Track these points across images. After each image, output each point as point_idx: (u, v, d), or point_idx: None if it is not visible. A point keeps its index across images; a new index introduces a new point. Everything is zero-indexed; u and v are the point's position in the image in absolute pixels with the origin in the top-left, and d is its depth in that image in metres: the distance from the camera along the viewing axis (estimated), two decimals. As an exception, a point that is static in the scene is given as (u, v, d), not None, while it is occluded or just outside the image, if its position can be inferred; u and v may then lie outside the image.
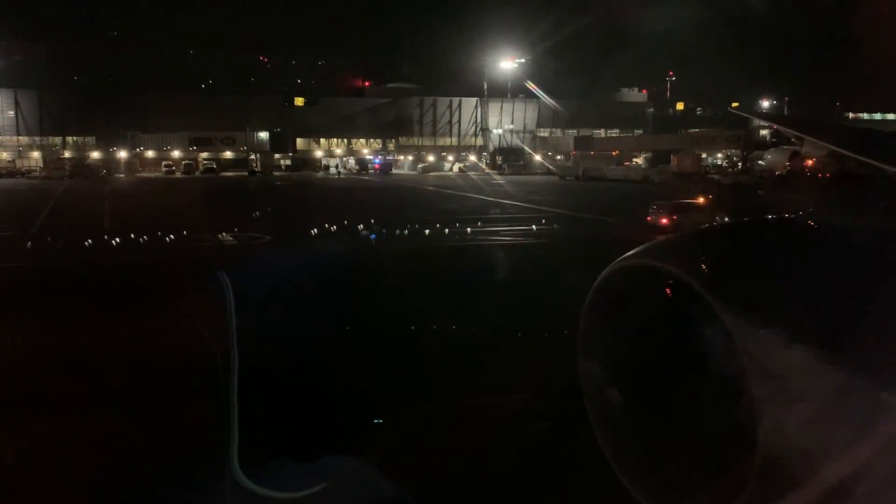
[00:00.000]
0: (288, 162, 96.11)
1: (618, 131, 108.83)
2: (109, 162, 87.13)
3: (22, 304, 12.19)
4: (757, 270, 1.64)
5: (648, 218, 23.79)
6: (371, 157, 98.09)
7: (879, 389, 1.30)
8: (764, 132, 72.57)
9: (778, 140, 67.18)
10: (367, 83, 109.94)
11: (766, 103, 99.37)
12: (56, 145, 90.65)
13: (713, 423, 1.68)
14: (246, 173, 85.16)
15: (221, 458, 3.89)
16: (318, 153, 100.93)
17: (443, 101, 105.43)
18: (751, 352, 1.42)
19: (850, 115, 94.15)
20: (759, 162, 69.00)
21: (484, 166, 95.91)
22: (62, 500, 5.05)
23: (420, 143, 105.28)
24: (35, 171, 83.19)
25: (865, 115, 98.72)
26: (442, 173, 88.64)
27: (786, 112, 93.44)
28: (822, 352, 1.36)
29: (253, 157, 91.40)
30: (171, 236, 21.21)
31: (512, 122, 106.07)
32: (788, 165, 61.89)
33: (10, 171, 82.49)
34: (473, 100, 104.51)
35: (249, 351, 4.49)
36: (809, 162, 59.50)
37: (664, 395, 1.83)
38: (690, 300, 1.58)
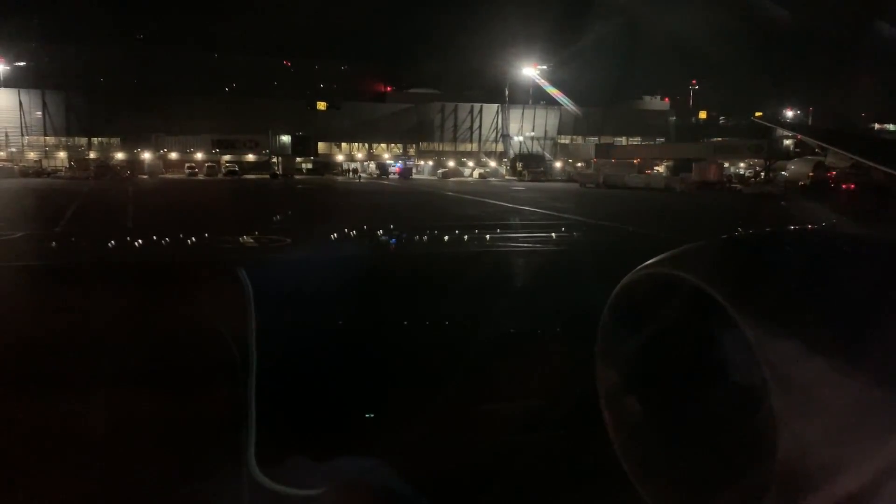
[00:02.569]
0: (309, 165, 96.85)
1: (639, 139, 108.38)
2: (134, 163, 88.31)
3: (41, 301, 12.38)
4: (779, 281, 1.63)
5: None
6: (391, 161, 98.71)
7: None
8: (787, 142, 71.98)
9: (802, 150, 66.57)
10: (388, 88, 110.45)
11: (790, 113, 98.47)
12: (82, 146, 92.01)
13: (733, 434, 1.67)
14: (268, 176, 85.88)
15: (239, 455, 3.93)
16: (340, 157, 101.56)
17: (464, 107, 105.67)
18: (771, 363, 1.42)
19: (877, 125, 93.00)
20: (783, 172, 68.39)
21: (504, 172, 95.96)
22: (74, 490, 5.11)
23: (441, 149, 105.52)
24: (61, 171, 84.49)
25: (892, 126, 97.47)
26: (462, 179, 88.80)
27: (810, 122, 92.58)
28: (844, 363, 1.36)
29: (275, 160, 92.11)
30: (193, 238, 21.42)
31: (533, 129, 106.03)
32: (812, 176, 61.26)
33: (37, 171, 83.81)
34: (494, 106, 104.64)
35: (267, 350, 4.53)
36: (833, 173, 58.88)
37: (684, 405, 1.82)
38: (711, 310, 1.57)
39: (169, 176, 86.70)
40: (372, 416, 6.03)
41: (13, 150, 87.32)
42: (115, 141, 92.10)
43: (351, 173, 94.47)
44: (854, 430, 1.33)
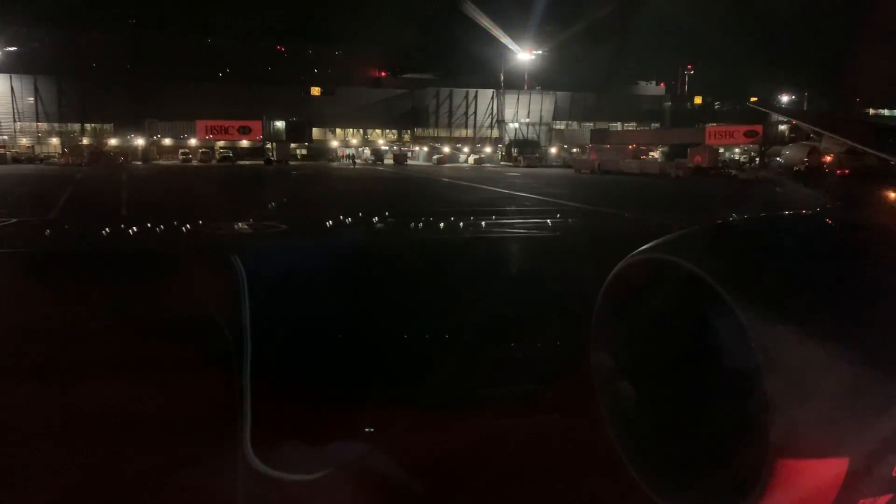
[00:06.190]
0: (304, 151, 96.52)
1: (634, 124, 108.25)
2: (127, 149, 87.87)
3: (33, 288, 12.35)
4: (772, 266, 1.64)
5: None
6: (385, 147, 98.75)
7: (894, 386, 1.30)
8: (782, 127, 72.00)
9: (797, 135, 66.59)
10: (383, 73, 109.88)
11: (785, 98, 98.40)
12: (75, 132, 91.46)
13: (726, 418, 1.68)
14: (262, 162, 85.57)
15: (234, 440, 3.94)
16: (334, 143, 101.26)
17: (459, 93, 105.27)
18: (765, 347, 1.42)
19: (871, 111, 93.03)
20: (777, 158, 68.41)
21: (499, 158, 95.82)
22: (68, 477, 5.12)
23: (436, 135, 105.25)
24: (54, 157, 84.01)
25: (886, 112, 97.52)
26: (457, 165, 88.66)
27: (805, 107, 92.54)
28: (837, 348, 1.36)
29: (269, 146, 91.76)
30: (187, 224, 21.37)
31: (528, 115, 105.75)
32: (807, 161, 61.30)
33: (30, 157, 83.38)
34: (490, 91, 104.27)
35: (262, 336, 4.53)
36: (827, 158, 58.91)
37: (677, 389, 1.83)
38: (705, 295, 1.58)
39: (163, 162, 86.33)
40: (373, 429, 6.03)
41: (5, 136, 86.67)
42: (108, 127, 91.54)
43: (346, 159, 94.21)
44: (845, 414, 1.34)
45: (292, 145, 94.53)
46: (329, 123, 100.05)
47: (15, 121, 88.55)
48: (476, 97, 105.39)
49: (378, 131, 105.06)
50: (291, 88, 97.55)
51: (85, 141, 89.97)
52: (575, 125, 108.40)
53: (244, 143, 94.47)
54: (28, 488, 5.07)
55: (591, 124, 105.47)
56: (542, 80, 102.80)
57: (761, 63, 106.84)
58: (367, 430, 5.62)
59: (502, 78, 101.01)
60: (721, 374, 1.66)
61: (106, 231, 20.22)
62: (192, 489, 4.71)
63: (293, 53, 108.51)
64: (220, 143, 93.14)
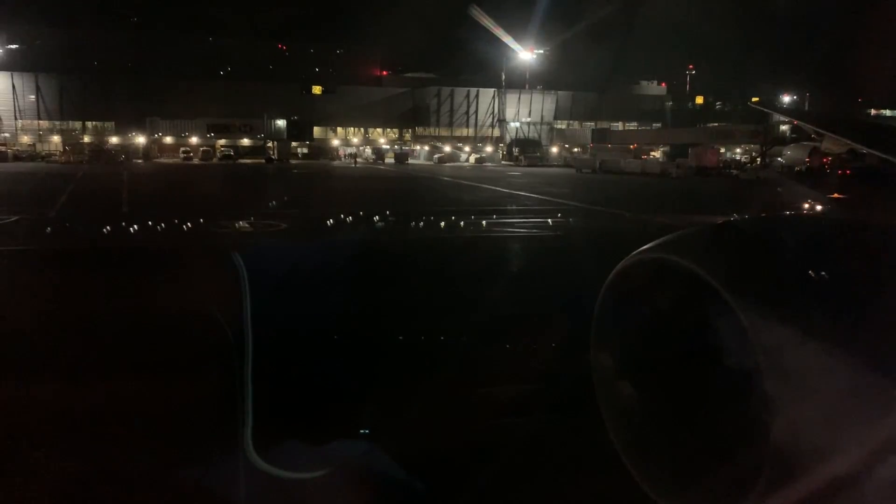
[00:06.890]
0: (305, 150, 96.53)
1: (636, 124, 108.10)
2: (128, 147, 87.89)
3: (35, 285, 12.35)
4: (773, 266, 1.64)
5: None
6: (387, 146, 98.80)
7: (894, 387, 1.30)
8: (784, 127, 71.88)
9: (798, 136, 66.46)
10: (384, 72, 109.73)
11: (786, 98, 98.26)
12: (76, 130, 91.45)
13: (726, 418, 1.68)
14: (263, 161, 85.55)
15: (235, 439, 3.94)
16: (335, 142, 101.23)
17: (460, 92, 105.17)
18: (765, 347, 1.43)
19: (872, 111, 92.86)
20: (779, 158, 68.29)
21: (500, 158, 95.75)
22: (70, 475, 5.12)
23: (437, 134, 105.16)
24: (55, 155, 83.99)
25: (888, 112, 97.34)
26: (458, 164, 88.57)
27: (807, 107, 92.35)
28: (837, 349, 1.36)
29: (270, 144, 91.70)
30: (188, 223, 21.37)
31: (529, 114, 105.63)
32: (808, 161, 61.18)
33: (31, 155, 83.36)
34: (491, 90, 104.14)
35: (262, 334, 4.54)
36: (829, 158, 58.79)
37: (677, 389, 1.83)
38: (706, 295, 1.58)
39: (164, 160, 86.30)
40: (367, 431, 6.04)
41: (7, 134, 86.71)
42: (110, 125, 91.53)
43: (347, 158, 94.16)
44: (845, 414, 1.34)
45: (293, 144, 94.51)
46: (330, 122, 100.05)
47: (16, 118, 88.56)
48: (477, 96, 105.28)
49: (379, 130, 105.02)
50: (293, 87, 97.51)
51: (86, 139, 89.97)
52: (576, 125, 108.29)
53: (245, 141, 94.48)
54: (30, 486, 5.07)
55: (593, 124, 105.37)
56: (543, 80, 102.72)
57: (763, 63, 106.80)
58: (366, 429, 5.62)
59: (503, 77, 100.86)
60: (721, 374, 1.66)
61: (107, 229, 20.21)
62: (193, 487, 4.71)
63: (295, 52, 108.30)
64: (221, 142, 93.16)
